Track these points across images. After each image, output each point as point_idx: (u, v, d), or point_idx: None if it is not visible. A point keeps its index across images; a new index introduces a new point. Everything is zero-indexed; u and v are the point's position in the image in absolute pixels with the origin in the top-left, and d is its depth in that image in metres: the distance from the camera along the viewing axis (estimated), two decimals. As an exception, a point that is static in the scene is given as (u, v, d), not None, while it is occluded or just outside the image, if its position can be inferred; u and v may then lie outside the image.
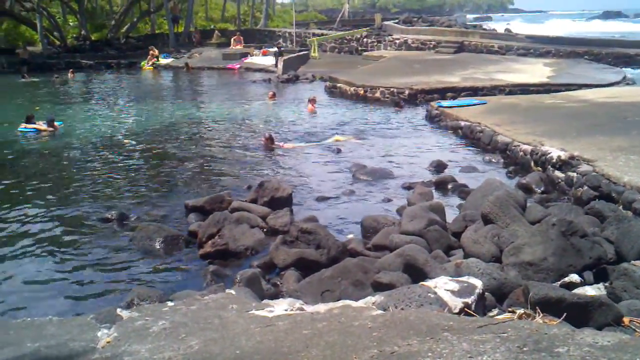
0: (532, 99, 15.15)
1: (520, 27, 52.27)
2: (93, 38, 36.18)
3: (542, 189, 8.97)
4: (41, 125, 14.17)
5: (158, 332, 3.32)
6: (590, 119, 11.84)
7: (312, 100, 16.84)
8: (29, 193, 9.48)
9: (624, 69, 23.05)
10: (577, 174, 8.43)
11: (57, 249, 7.15)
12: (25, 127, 14.07)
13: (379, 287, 4.96)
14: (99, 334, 3.35)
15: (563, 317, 3.80)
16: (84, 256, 6.93)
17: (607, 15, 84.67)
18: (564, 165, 8.90)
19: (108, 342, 3.21)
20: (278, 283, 5.81)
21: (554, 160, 9.09)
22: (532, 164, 9.86)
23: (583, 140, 9.80)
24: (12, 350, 3.14)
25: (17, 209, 8.60)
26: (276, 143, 12.34)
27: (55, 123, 14.43)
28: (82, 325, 3.49)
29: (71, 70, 27.42)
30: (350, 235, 7.12)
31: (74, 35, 36.83)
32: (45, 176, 10.48)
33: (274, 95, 19.24)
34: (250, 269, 6.00)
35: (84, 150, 12.57)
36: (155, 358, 2.95)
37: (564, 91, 16.71)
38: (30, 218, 8.24)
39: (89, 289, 6.10)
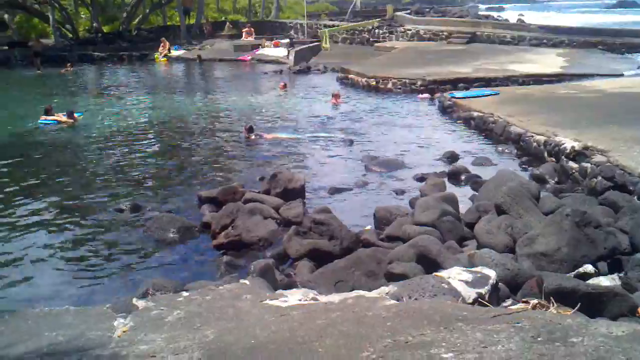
0: (545, 90, 15.04)
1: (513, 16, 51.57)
2: (105, 30, 36.15)
3: (555, 179, 8.93)
4: (61, 116, 14.27)
5: (173, 321, 3.36)
6: (603, 109, 11.75)
7: (336, 96, 16.79)
8: (45, 183, 9.59)
9: (638, 58, 22.79)
10: (591, 164, 8.38)
11: (72, 240, 7.24)
12: (45, 119, 14.18)
13: (392, 277, 4.98)
14: (115, 323, 3.39)
15: (577, 307, 3.80)
16: (99, 246, 7.01)
17: (623, 4, 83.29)
18: (577, 155, 8.84)
19: (124, 332, 3.25)
20: (292, 273, 5.83)
21: (568, 151, 9.03)
22: (546, 154, 9.79)
23: (597, 130, 9.72)
24: (30, 339, 3.19)
25: (34, 199, 8.71)
26: (256, 133, 12.28)
27: (75, 114, 14.53)
28: (98, 315, 3.53)
29: (68, 63, 26.43)
30: (368, 227, 7.08)
31: (86, 28, 36.91)
32: (61, 167, 10.60)
33: (285, 86, 19.28)
34: (264, 259, 6.02)
35: (101, 141, 12.64)
36: (171, 347, 2.98)
37: (577, 81, 16.57)
38: (46, 208, 8.34)
39: (104, 279, 6.18)
